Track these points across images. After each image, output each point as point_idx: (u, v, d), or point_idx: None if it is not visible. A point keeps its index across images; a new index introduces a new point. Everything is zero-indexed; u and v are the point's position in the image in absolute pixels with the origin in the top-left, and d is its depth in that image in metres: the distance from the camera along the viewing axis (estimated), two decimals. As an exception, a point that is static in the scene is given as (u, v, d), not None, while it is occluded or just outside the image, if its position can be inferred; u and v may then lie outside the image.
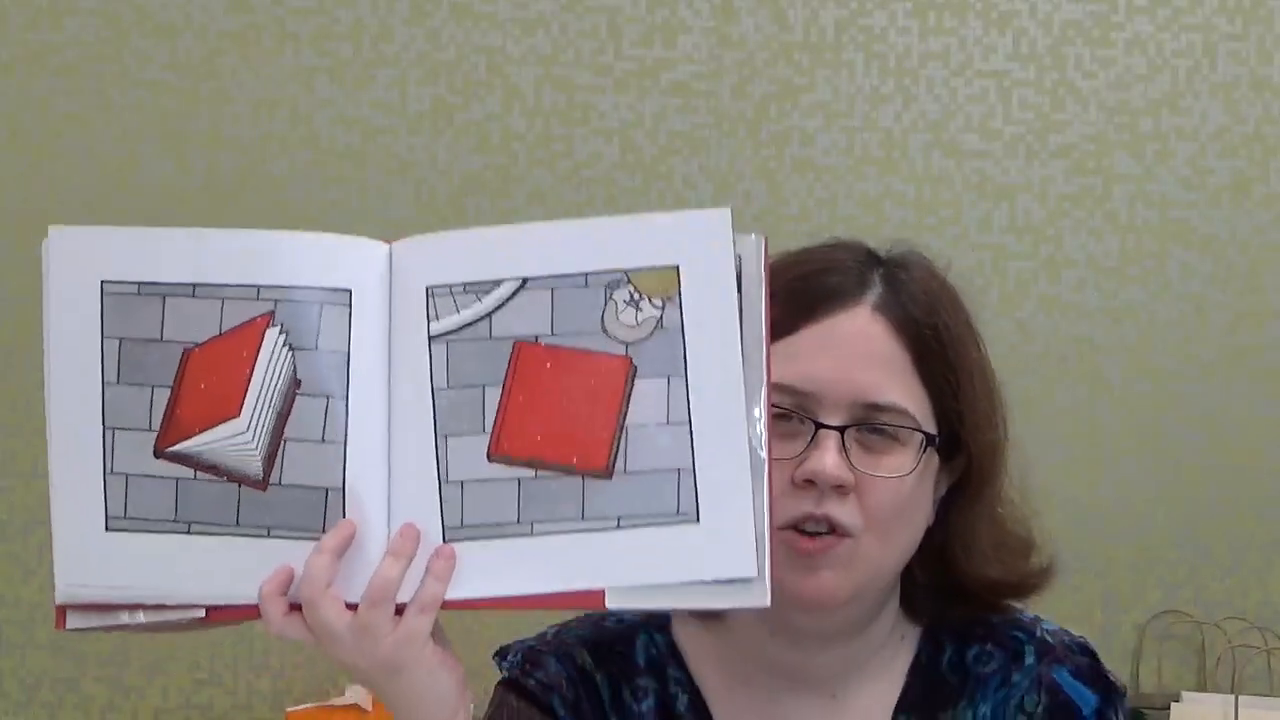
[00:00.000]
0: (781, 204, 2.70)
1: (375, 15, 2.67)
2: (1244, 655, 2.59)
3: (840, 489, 1.33)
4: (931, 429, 1.37)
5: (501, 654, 1.46)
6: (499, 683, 1.45)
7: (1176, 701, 2.49)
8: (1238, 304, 2.73)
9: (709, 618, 1.42)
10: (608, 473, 1.23)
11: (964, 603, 1.44)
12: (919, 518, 1.39)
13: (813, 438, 1.33)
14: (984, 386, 1.41)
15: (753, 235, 1.26)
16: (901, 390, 1.36)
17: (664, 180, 2.69)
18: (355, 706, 2.41)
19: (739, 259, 1.25)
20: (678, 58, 2.70)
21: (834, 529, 1.33)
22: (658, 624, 1.46)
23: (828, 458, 1.32)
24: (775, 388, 1.25)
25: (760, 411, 1.23)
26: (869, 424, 1.35)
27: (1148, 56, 2.73)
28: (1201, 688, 2.66)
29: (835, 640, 1.41)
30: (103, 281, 1.27)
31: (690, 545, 1.22)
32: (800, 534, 1.33)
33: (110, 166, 2.63)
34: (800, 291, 1.36)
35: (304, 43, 2.66)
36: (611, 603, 1.23)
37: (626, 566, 1.23)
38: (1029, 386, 2.63)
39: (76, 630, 1.27)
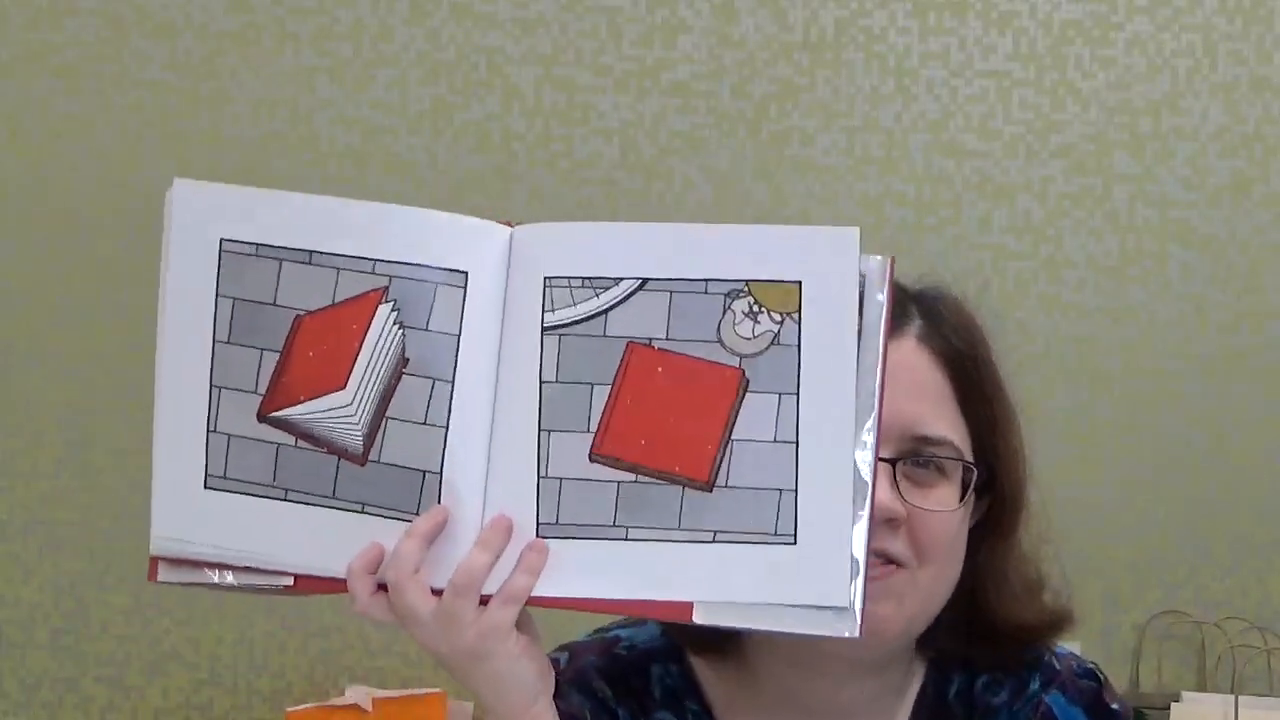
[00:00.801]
0: (781, 204, 2.70)
1: (375, 15, 2.67)
2: (1244, 655, 2.58)
3: (892, 522, 1.32)
4: (972, 462, 1.36)
5: None
6: None
7: (1176, 701, 2.49)
8: (1238, 304, 2.73)
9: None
10: (709, 485, 1.21)
11: (993, 644, 1.42)
12: (961, 553, 1.37)
13: None
14: (1015, 423, 1.41)
15: (879, 256, 1.24)
16: (948, 423, 1.35)
17: (664, 180, 2.69)
18: (355, 706, 2.41)
19: (863, 278, 1.23)
20: (678, 58, 2.70)
21: (889, 562, 1.32)
22: (672, 653, 1.44)
23: (879, 490, 1.29)
24: None
25: (869, 438, 1.20)
26: (919, 456, 1.33)
27: (1148, 56, 2.73)
28: (1201, 688, 2.66)
29: (864, 674, 1.40)
30: (222, 239, 1.26)
31: (784, 567, 1.20)
32: None
33: (110, 166, 2.63)
34: None
35: (304, 43, 2.66)
36: (699, 616, 1.21)
37: (717, 582, 1.21)
38: (1029, 386, 2.62)
39: (167, 583, 1.27)
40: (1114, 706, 1.46)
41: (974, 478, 1.35)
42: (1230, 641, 2.63)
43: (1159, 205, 2.73)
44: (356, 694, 2.42)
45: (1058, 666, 1.45)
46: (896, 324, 1.35)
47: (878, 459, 1.29)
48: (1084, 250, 2.73)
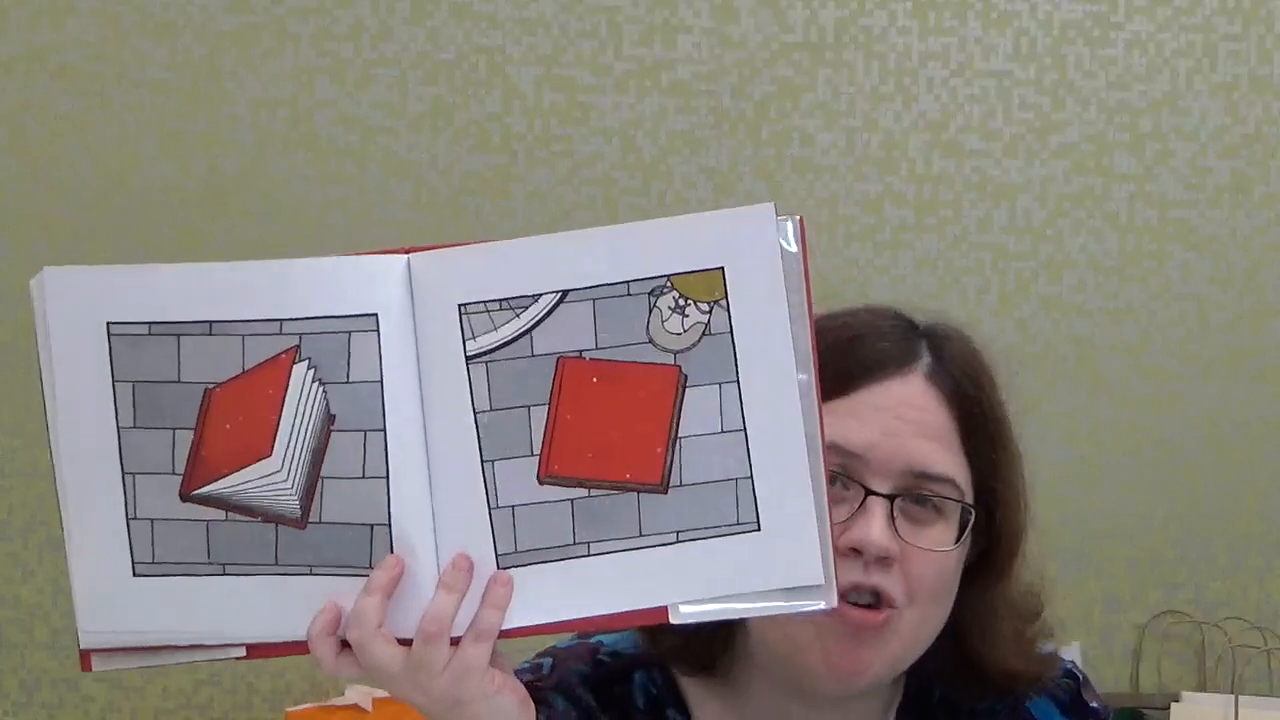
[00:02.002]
0: (781, 204, 2.68)
1: (375, 15, 2.67)
2: (1244, 655, 2.59)
3: (885, 560, 1.30)
4: (971, 504, 1.35)
5: None
6: None
7: (1176, 701, 2.49)
8: (1238, 304, 2.73)
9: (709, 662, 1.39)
10: (663, 487, 1.19)
11: (978, 685, 1.41)
12: (952, 594, 1.35)
13: (861, 504, 1.30)
14: (1018, 467, 1.38)
15: (788, 220, 1.21)
16: (950, 461, 1.33)
17: (664, 180, 2.69)
18: (355, 706, 2.41)
19: (780, 247, 1.20)
20: (678, 58, 2.70)
21: (881, 599, 1.30)
22: (655, 661, 1.42)
23: (874, 527, 1.29)
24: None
25: (809, 401, 1.18)
26: (917, 493, 1.32)
27: (1148, 56, 2.73)
28: (1201, 688, 2.66)
29: (852, 703, 1.38)
30: (109, 323, 1.22)
31: (753, 554, 1.18)
32: (844, 604, 1.28)
33: (110, 166, 2.63)
34: (849, 355, 1.33)
35: (304, 43, 2.66)
36: (675, 618, 1.19)
37: (690, 580, 1.19)
38: (1029, 386, 2.63)
39: (103, 671, 1.23)
40: (1092, 705, 1.45)
41: (971, 519, 1.34)
42: (1230, 641, 2.63)
43: (1159, 205, 2.73)
44: (356, 694, 2.42)
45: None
46: (903, 361, 1.35)
47: (870, 494, 1.29)
48: (1084, 250, 2.73)
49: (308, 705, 2.47)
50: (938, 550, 1.32)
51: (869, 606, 1.30)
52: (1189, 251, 2.73)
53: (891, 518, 1.30)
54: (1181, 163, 2.73)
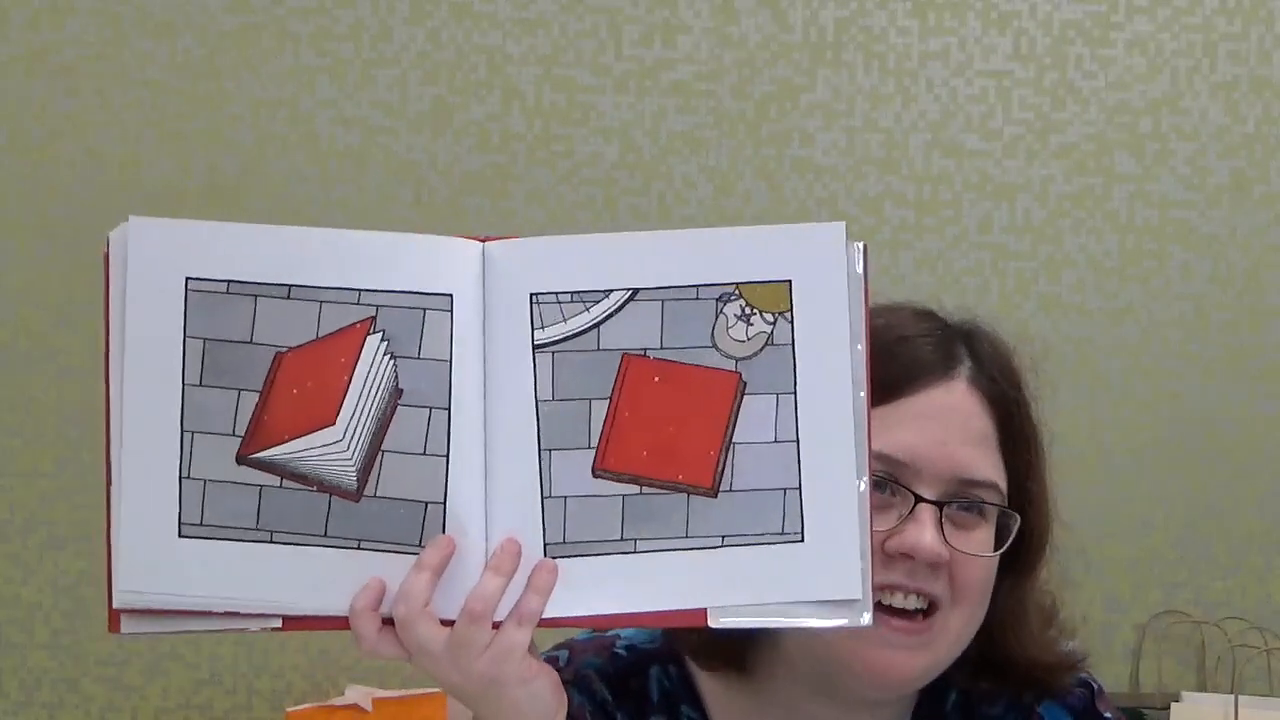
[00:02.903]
0: (781, 204, 2.70)
1: (375, 15, 2.67)
2: (1244, 655, 2.58)
3: (935, 565, 1.32)
4: (1012, 508, 1.36)
5: None
6: None
7: (1176, 701, 2.49)
8: (1238, 304, 2.73)
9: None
10: (713, 491, 1.21)
11: (1002, 678, 1.42)
12: (989, 593, 1.37)
13: (911, 510, 1.32)
14: (1044, 463, 1.42)
15: (856, 244, 1.22)
16: (993, 466, 1.36)
17: (664, 180, 2.69)
18: (355, 706, 2.41)
19: (848, 266, 1.22)
20: (678, 58, 2.70)
21: (931, 605, 1.32)
22: (670, 655, 1.43)
23: (926, 533, 1.31)
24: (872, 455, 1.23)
25: (860, 419, 1.20)
26: (964, 499, 1.34)
27: (1148, 56, 2.73)
28: (1201, 688, 2.66)
29: (882, 705, 1.40)
30: (188, 278, 1.21)
31: (795, 565, 1.20)
32: (889, 612, 1.31)
33: (110, 166, 2.63)
34: (893, 360, 1.34)
35: (304, 43, 2.66)
36: (714, 621, 1.21)
37: (730, 586, 1.20)
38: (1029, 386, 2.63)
39: (131, 634, 1.23)
40: (1107, 715, 1.45)
41: (1015, 524, 1.36)
42: (1230, 641, 2.63)
43: (1159, 205, 2.73)
44: (356, 694, 2.42)
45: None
46: (946, 366, 1.36)
47: (920, 500, 1.30)
48: (1084, 250, 2.73)
49: (308, 705, 2.47)
50: (984, 555, 1.34)
51: (916, 611, 1.32)
52: (1189, 251, 2.73)
53: (940, 524, 1.32)
54: (1181, 163, 2.73)
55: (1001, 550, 1.35)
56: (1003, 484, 1.36)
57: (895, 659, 1.32)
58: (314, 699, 2.55)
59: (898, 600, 1.32)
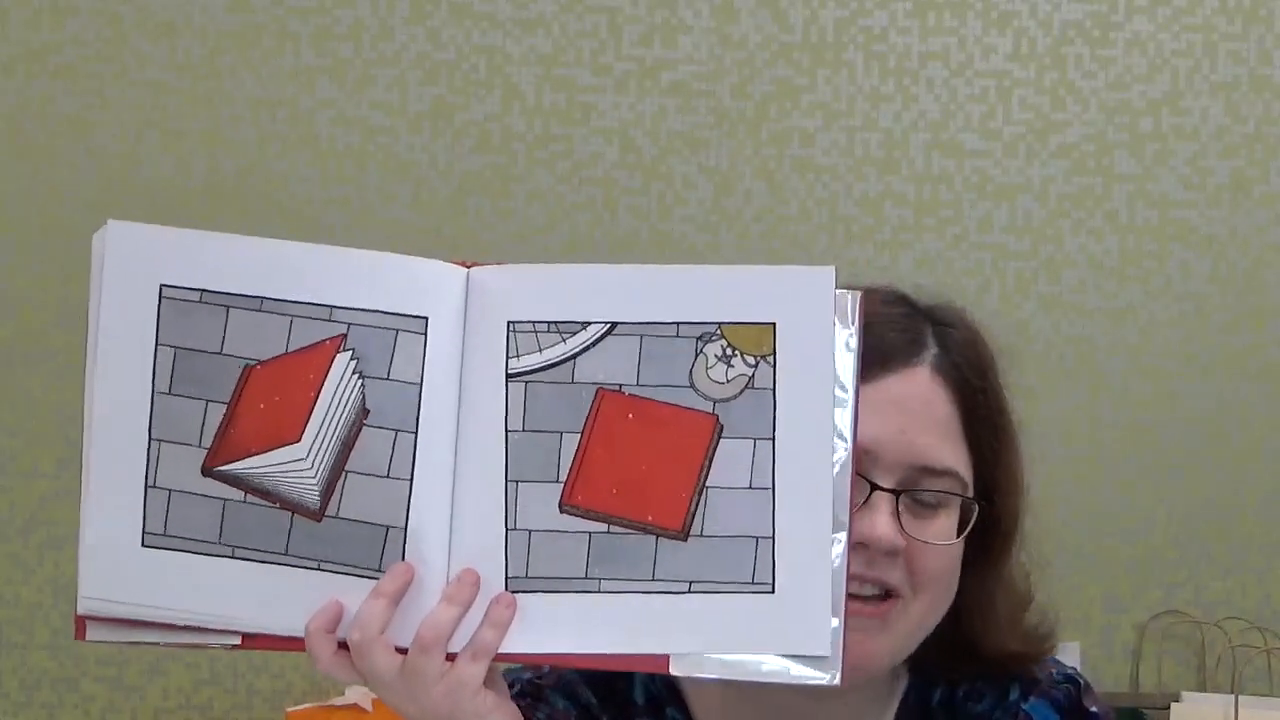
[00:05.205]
0: (781, 204, 2.70)
1: (375, 15, 2.67)
2: (1244, 655, 2.58)
3: (891, 553, 1.30)
4: (971, 494, 1.35)
5: None
6: None
7: (1176, 701, 2.49)
8: (1238, 304, 2.73)
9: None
10: (683, 534, 1.17)
11: (975, 664, 1.41)
12: (955, 582, 1.35)
13: (867, 499, 1.29)
14: (1017, 451, 1.39)
15: (848, 293, 1.19)
16: (954, 454, 1.34)
17: (664, 180, 2.69)
18: (355, 706, 2.41)
19: (834, 311, 1.19)
20: (678, 58, 2.70)
21: (888, 592, 1.31)
22: None
23: (880, 522, 1.29)
24: None
25: (843, 472, 1.17)
26: (921, 488, 1.32)
27: (1148, 56, 2.73)
28: (1201, 688, 2.66)
29: (852, 698, 1.38)
30: (162, 285, 1.20)
31: (763, 617, 1.17)
32: (850, 597, 1.27)
33: (110, 166, 2.63)
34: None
35: (304, 43, 2.66)
36: (676, 669, 1.18)
37: (694, 633, 1.18)
38: (1029, 386, 2.63)
39: (97, 642, 1.22)
40: (1093, 710, 1.45)
41: (974, 514, 1.34)
42: (1230, 641, 2.63)
43: (1159, 205, 2.73)
44: (357, 694, 2.42)
45: (1038, 674, 1.45)
46: (910, 352, 1.34)
47: (876, 489, 1.28)
48: (1084, 250, 2.73)
49: (308, 705, 2.47)
50: (941, 544, 1.32)
51: (874, 598, 1.30)
52: (1189, 251, 2.73)
53: (896, 512, 1.30)
54: (1181, 163, 2.73)
55: (961, 538, 1.33)
56: (965, 472, 1.34)
57: (858, 645, 1.28)
58: (314, 699, 2.55)
59: (853, 587, 1.27)
